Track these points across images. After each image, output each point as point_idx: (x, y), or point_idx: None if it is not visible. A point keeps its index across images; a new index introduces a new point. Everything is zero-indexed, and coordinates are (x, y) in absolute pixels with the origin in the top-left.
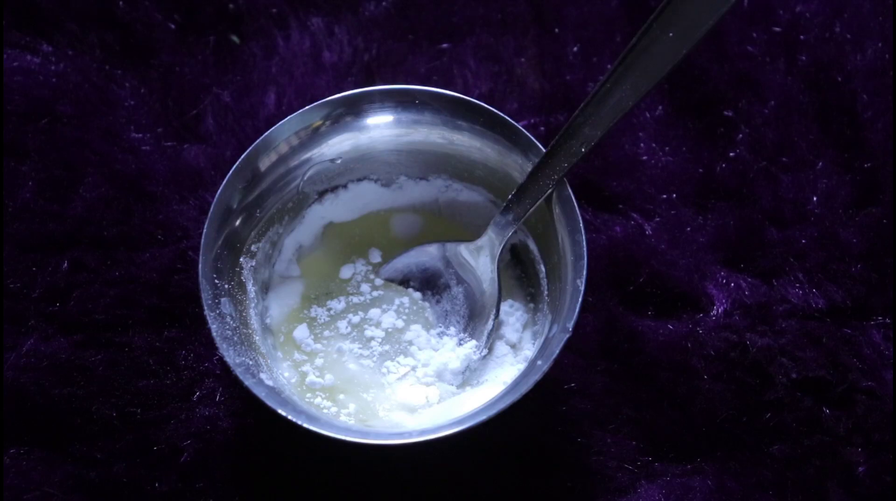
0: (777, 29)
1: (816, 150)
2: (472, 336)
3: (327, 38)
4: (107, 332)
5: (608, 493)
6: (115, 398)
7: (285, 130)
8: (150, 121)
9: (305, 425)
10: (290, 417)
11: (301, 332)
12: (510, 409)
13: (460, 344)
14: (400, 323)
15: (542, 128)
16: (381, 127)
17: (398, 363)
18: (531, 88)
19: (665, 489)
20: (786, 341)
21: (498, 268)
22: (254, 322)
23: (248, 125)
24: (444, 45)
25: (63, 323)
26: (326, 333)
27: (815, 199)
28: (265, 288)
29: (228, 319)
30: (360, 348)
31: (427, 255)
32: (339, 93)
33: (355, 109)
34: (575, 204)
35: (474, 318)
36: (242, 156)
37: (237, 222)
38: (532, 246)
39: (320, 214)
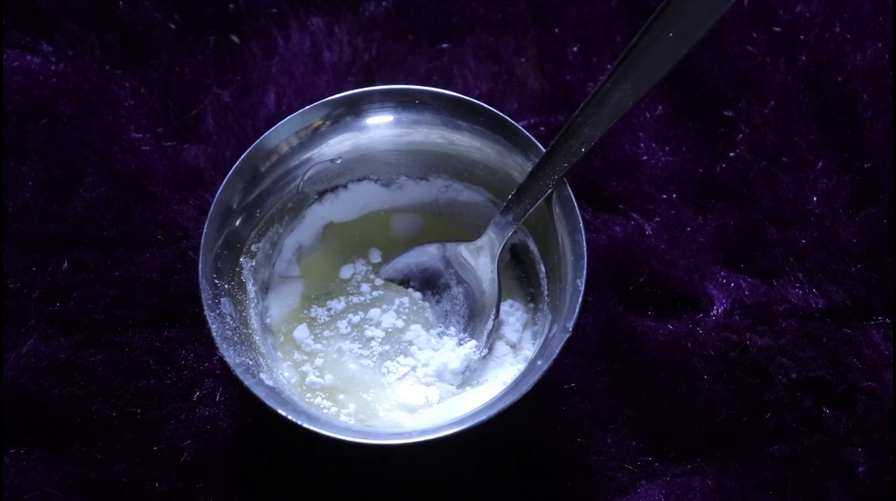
0: (777, 29)
1: (816, 150)
2: (472, 336)
3: (327, 38)
4: (107, 332)
5: (608, 493)
6: (115, 398)
7: (285, 130)
8: (150, 121)
9: (305, 425)
10: (290, 417)
11: (301, 332)
12: (510, 409)
13: (460, 344)
14: (400, 323)
15: (542, 128)
16: (381, 127)
17: (398, 363)
18: (531, 88)
19: (665, 489)
20: (786, 341)
21: (498, 268)
22: (254, 322)
23: (248, 125)
24: (444, 45)
25: (63, 323)
26: (326, 333)
27: (815, 199)
28: (265, 288)
29: (228, 319)
30: (360, 348)
31: (427, 255)
32: (339, 93)
33: (355, 109)
34: (575, 204)
35: (474, 318)
36: (242, 156)
37: (237, 222)
38: (532, 246)
39: (320, 214)
